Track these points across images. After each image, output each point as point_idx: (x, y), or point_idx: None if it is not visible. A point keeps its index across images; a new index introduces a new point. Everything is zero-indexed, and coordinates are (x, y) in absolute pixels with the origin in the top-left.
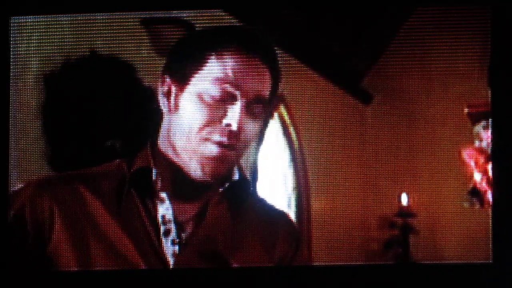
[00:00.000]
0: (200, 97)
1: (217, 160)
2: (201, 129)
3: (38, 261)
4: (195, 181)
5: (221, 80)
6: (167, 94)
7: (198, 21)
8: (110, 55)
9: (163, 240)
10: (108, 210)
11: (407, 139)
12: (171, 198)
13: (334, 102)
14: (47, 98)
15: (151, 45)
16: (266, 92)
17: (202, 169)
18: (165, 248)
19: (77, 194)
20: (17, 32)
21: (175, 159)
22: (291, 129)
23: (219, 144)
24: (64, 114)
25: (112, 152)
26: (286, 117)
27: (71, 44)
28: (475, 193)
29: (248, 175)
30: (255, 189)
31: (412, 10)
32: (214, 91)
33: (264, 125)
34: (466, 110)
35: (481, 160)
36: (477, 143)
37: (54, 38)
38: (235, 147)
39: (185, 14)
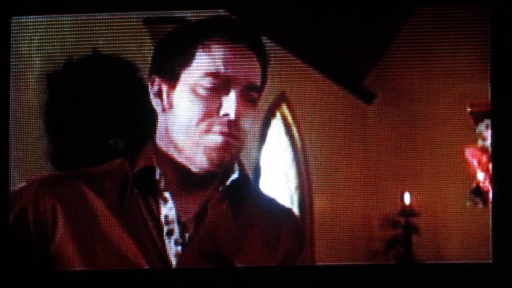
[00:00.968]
0: (193, 91)
1: (222, 149)
2: (199, 122)
3: (40, 261)
4: (199, 176)
5: (212, 72)
6: (159, 94)
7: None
8: (111, 55)
9: (166, 240)
10: (111, 209)
11: (409, 138)
12: (175, 198)
13: (336, 101)
14: (49, 98)
15: (153, 44)
16: (257, 79)
17: (208, 159)
18: (168, 248)
19: (79, 194)
20: (18, 32)
21: (178, 156)
22: (293, 129)
23: (221, 133)
24: (66, 113)
25: (114, 151)
26: (288, 117)
27: (72, 44)
28: (478, 192)
29: (249, 173)
30: (257, 187)
31: (413, 10)
32: (206, 83)
33: (266, 124)
34: (468, 109)
35: (484, 159)
36: (479, 142)
37: (55, 38)
38: (236, 136)
39: (187, 14)
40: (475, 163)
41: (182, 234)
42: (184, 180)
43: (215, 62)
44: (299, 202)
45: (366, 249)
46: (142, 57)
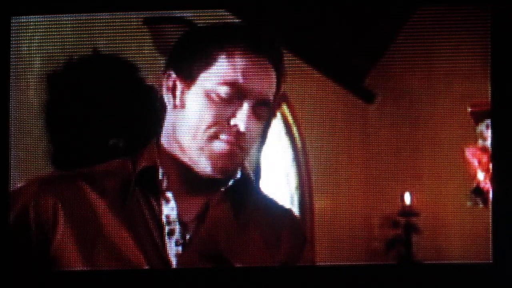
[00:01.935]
0: (207, 95)
1: (227, 156)
2: (208, 127)
3: (41, 261)
4: (202, 178)
5: (230, 81)
6: (172, 89)
7: (201, 21)
8: (112, 54)
9: (167, 240)
10: (112, 209)
11: (409, 138)
12: (177, 198)
13: (337, 101)
14: (49, 98)
15: (153, 44)
16: (271, 93)
17: (212, 165)
18: (168, 249)
19: (80, 193)
20: (18, 32)
21: (182, 157)
22: (294, 129)
23: (228, 142)
24: (67, 113)
25: (115, 150)
26: (289, 116)
27: (73, 44)
28: (479, 192)
29: (250, 174)
30: (258, 188)
31: (413, 10)
32: (223, 91)
33: (267, 125)
34: (468, 109)
35: (484, 159)
36: (480, 142)
37: (56, 37)
38: (242, 147)
39: (187, 14)
40: (475, 163)
41: (182, 234)
42: (186, 180)
43: (235, 71)
44: (299, 202)
45: (366, 249)
46: (142, 57)
